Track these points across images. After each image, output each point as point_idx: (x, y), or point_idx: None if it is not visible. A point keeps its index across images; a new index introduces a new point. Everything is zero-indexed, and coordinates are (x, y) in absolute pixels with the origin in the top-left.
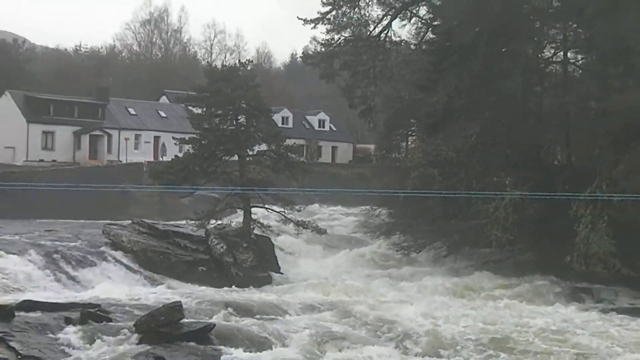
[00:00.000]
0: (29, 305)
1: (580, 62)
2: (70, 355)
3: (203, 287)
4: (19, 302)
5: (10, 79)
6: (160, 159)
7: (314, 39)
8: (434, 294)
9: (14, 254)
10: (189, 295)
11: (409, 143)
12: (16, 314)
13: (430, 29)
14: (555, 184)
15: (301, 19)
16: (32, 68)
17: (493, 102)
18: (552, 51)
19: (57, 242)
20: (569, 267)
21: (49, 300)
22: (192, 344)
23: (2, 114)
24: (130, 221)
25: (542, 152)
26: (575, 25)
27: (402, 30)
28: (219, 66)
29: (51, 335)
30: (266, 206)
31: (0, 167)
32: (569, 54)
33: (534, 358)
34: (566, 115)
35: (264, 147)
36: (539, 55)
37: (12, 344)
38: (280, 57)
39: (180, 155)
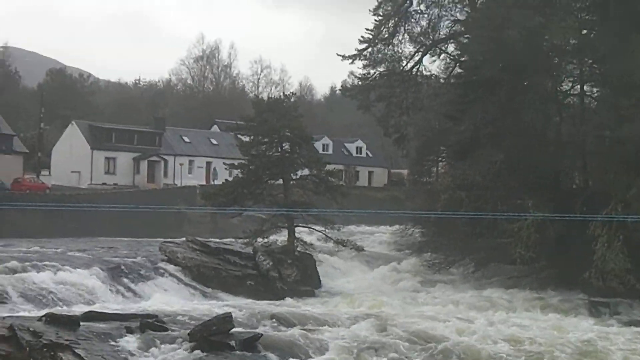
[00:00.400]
0: (93, 316)
1: (595, 94)
2: None
3: (251, 300)
4: (84, 313)
5: (76, 110)
6: (212, 183)
7: (352, 73)
8: (464, 309)
9: (80, 268)
10: (238, 307)
11: (439, 168)
12: (81, 323)
13: (458, 65)
14: (573, 206)
15: (340, 55)
16: (96, 100)
17: (516, 131)
18: (570, 84)
19: (118, 258)
20: (587, 283)
21: (111, 311)
22: (241, 352)
23: (69, 142)
24: (184, 239)
25: (561, 177)
26: (590, 61)
27: (432, 65)
28: (265, 98)
29: (113, 343)
30: (308, 225)
31: (67, 189)
32: (585, 87)
33: None
34: (583, 143)
35: (306, 171)
36: (558, 88)
37: (77, 351)
38: (321, 89)
39: (230, 179)
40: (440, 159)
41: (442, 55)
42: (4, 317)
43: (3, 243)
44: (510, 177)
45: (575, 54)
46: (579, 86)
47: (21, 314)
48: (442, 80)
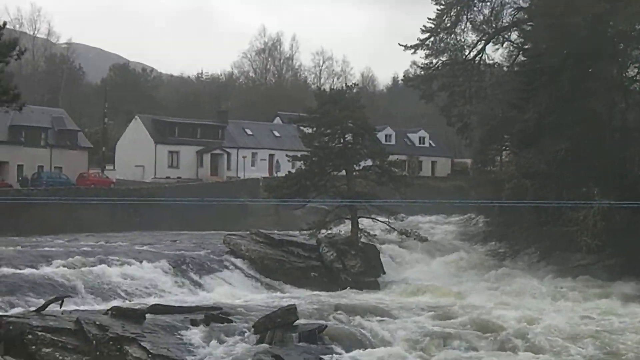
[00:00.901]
0: (158, 309)
1: None
2: (196, 354)
3: (315, 291)
4: (149, 306)
5: (140, 105)
6: (275, 175)
7: (414, 63)
8: (530, 297)
9: (145, 262)
10: (302, 298)
11: (503, 157)
12: (147, 316)
13: (521, 52)
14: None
15: (402, 45)
16: (159, 94)
17: (580, 119)
18: (636, 70)
19: (182, 251)
20: None
21: (176, 304)
22: (305, 343)
23: (132, 137)
24: (248, 232)
25: (628, 164)
26: None
27: (495, 53)
28: (328, 90)
29: (178, 335)
30: (372, 216)
31: (131, 184)
32: None
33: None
34: None
35: (369, 162)
36: (623, 75)
37: (143, 344)
38: (383, 80)
39: (293, 171)
40: (504, 147)
41: (505, 44)
42: (70, 311)
43: (69, 238)
44: (575, 165)
45: None
46: None
47: (87, 307)
48: (505, 69)
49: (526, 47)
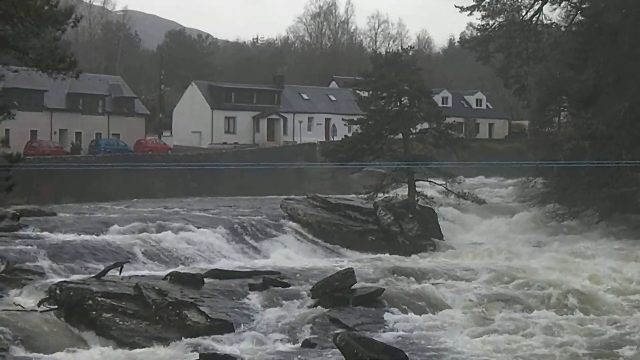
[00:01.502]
0: (217, 274)
1: None
2: (254, 319)
3: (372, 255)
4: (208, 271)
5: (196, 71)
6: (331, 139)
7: (470, 24)
8: (589, 257)
9: (203, 228)
10: (360, 262)
11: (561, 118)
12: (205, 281)
13: (579, 12)
14: None
15: (458, 7)
16: (215, 60)
17: None
18: None
19: (240, 217)
20: None
21: (234, 269)
22: (363, 307)
23: (189, 103)
24: (305, 196)
25: None
26: None
27: (553, 13)
28: (383, 53)
29: (236, 300)
30: (429, 179)
31: (188, 150)
32: None
33: None
34: None
35: (425, 125)
36: None
37: (202, 308)
38: (439, 42)
39: (349, 135)
40: (562, 108)
41: (563, 3)
42: (129, 277)
43: (127, 204)
44: (635, 125)
45: None
46: None
47: (146, 273)
48: (563, 29)
49: (584, 6)
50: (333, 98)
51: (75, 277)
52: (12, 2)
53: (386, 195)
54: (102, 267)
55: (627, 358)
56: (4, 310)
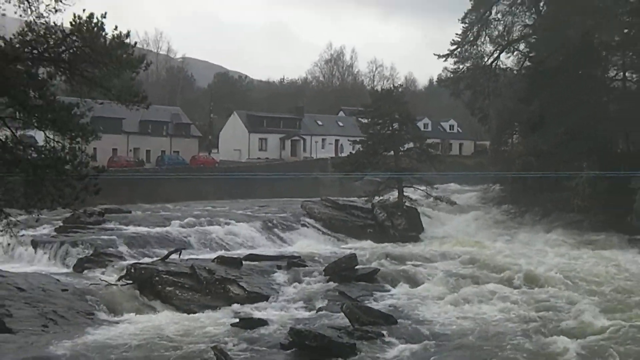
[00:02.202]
0: (252, 257)
1: (635, 79)
2: (280, 291)
3: (370, 243)
4: (245, 255)
5: (237, 103)
6: (340, 155)
7: (446, 68)
8: (534, 245)
9: (242, 222)
10: (361, 248)
11: (514, 139)
12: (243, 263)
13: (527, 59)
14: (618, 166)
15: (436, 54)
16: (251, 95)
17: (573, 109)
18: (615, 72)
19: (270, 214)
20: (629, 224)
21: (266, 254)
22: (363, 283)
23: (231, 127)
24: (319, 199)
25: (609, 144)
26: (631, 53)
27: (508, 60)
28: (379, 90)
29: (267, 277)
30: (414, 186)
31: (231, 163)
32: (627, 74)
33: (608, 286)
34: (625, 117)
35: (411, 145)
36: (605, 75)
37: (241, 283)
38: (422, 81)
39: (354, 152)
40: (515, 132)
41: (515, 52)
42: (186, 259)
43: (184, 205)
44: (569, 145)
45: (619, 48)
46: (622, 73)
47: (199, 256)
48: (515, 72)
49: (531, 55)
50: (341, 124)
51: (145, 260)
52: (100, 53)
53: (381, 198)
54: (165, 252)
55: (560, 317)
56: (92, 284)
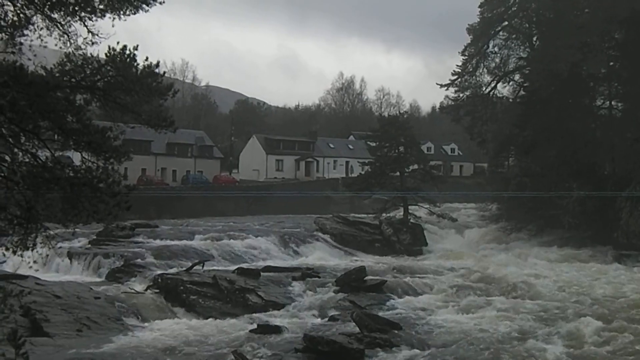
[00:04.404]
0: (269, 269)
1: (620, 107)
2: (295, 300)
3: (378, 257)
4: (263, 267)
5: (256, 127)
6: (350, 175)
7: (447, 96)
8: (529, 260)
9: (260, 236)
10: (369, 262)
11: (510, 162)
12: (261, 274)
13: (522, 89)
14: (605, 186)
15: (438, 84)
16: (269, 120)
17: (564, 135)
18: (602, 101)
19: (285, 229)
20: (616, 241)
21: (282, 265)
22: (371, 293)
23: (251, 149)
24: (331, 215)
25: (597, 167)
26: (616, 84)
27: (504, 89)
28: (386, 116)
29: (283, 287)
30: (418, 204)
31: (250, 182)
32: (612, 103)
33: (598, 297)
34: (611, 142)
35: (415, 166)
36: (593, 104)
37: (259, 293)
38: (425, 108)
39: (363, 172)
40: (510, 155)
41: (511, 82)
42: (209, 270)
43: (207, 220)
44: (560, 167)
45: (606, 79)
46: (608, 102)
47: (220, 268)
48: (510, 100)
49: (525, 85)
50: (351, 147)
51: (171, 270)
52: (131, 81)
53: (388, 215)
54: (189, 263)
55: (554, 326)
56: (122, 292)
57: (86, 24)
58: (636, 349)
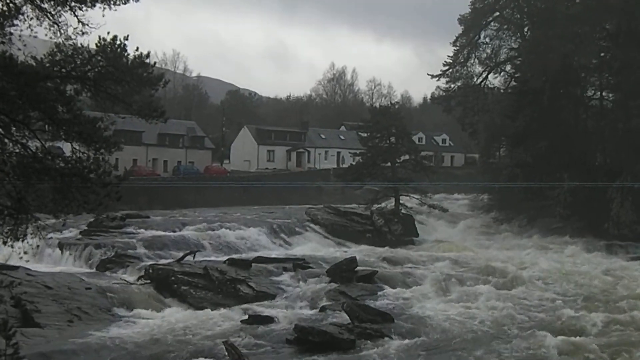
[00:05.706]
0: (260, 259)
1: (611, 98)
2: (286, 291)
3: (369, 247)
4: (254, 257)
5: (247, 118)
6: (341, 166)
7: (438, 87)
8: (519, 249)
9: (251, 227)
10: (360, 252)
11: (501, 152)
12: (252, 265)
13: (513, 79)
14: (596, 177)
15: (429, 74)
16: (260, 110)
17: (555, 125)
18: (593, 91)
19: (277, 220)
20: (606, 231)
21: (273, 256)
22: (362, 283)
23: (242, 140)
24: (322, 205)
25: (588, 157)
26: (607, 75)
27: (495, 80)
28: (378, 106)
29: (274, 278)
30: (409, 194)
31: (241, 173)
32: (603, 93)
33: (588, 286)
34: (602, 133)
35: (406, 156)
36: (584, 95)
37: (250, 283)
38: (416, 98)
39: (354, 163)
40: (501, 145)
41: (502, 73)
42: (200, 261)
43: (198, 211)
44: (551, 157)
45: (597, 70)
46: (599, 92)
47: (212, 258)
48: (502, 91)
49: (516, 75)
50: (343, 137)
51: (162, 261)
52: (122, 71)
53: (379, 205)
54: (180, 254)
55: (543, 314)
56: (114, 283)
57: (76, 13)
58: (630, 338)
